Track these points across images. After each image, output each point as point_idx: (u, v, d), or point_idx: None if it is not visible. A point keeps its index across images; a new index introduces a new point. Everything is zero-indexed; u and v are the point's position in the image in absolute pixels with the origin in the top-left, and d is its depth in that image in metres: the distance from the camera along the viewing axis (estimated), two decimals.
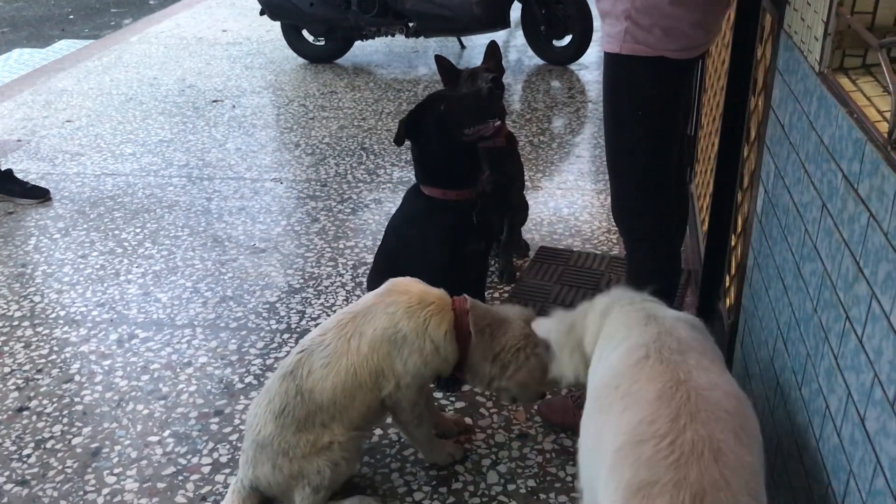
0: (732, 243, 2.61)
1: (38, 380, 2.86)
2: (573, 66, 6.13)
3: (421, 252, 2.64)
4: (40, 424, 2.65)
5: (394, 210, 2.93)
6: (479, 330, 2.22)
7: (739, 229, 2.52)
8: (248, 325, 3.15)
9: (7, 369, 2.93)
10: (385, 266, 2.79)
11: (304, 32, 6.29)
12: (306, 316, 3.20)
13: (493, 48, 3.32)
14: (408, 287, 2.22)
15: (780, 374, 1.76)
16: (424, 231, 2.65)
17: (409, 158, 4.54)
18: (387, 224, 2.90)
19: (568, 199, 4.12)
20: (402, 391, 2.17)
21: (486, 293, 3.06)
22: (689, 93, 2.31)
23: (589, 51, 6.08)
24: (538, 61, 6.26)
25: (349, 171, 4.51)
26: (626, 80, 2.17)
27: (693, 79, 2.22)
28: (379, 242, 2.95)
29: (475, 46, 6.61)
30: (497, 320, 2.28)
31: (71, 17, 8.68)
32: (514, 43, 6.79)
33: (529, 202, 3.63)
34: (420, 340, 2.15)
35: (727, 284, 2.70)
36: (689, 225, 3.05)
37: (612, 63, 2.18)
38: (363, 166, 4.56)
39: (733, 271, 2.58)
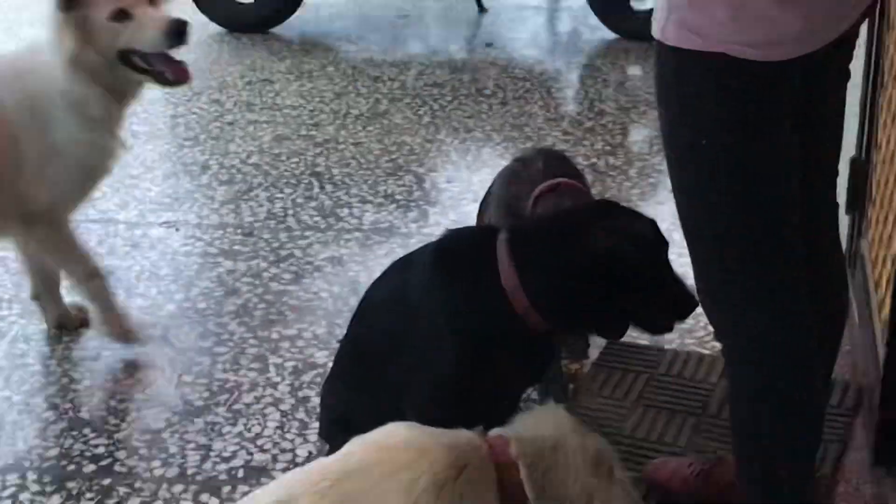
0: None
1: None
2: None
3: (434, 349, 2.09)
4: None
5: (364, 276, 2.72)
6: (537, 485, 1.90)
7: None
8: (114, 469, 2.40)
9: None
10: (352, 365, 2.22)
11: None
12: (212, 455, 2.45)
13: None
14: (424, 440, 1.88)
15: None
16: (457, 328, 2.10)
17: (387, 192, 3.69)
18: (385, 288, 2.25)
19: None
20: None
21: None
22: (810, 115, 1.81)
23: None
24: (607, 34, 5.16)
25: (291, 211, 3.55)
26: (676, 87, 1.79)
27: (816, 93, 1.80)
28: (342, 328, 2.50)
29: (500, 11, 5.69)
30: (549, 453, 1.96)
31: None
32: (568, 4, 5.78)
33: None
34: None
35: None
36: (856, 313, 2.55)
37: (658, 57, 1.81)
38: (314, 202, 3.59)
39: None
